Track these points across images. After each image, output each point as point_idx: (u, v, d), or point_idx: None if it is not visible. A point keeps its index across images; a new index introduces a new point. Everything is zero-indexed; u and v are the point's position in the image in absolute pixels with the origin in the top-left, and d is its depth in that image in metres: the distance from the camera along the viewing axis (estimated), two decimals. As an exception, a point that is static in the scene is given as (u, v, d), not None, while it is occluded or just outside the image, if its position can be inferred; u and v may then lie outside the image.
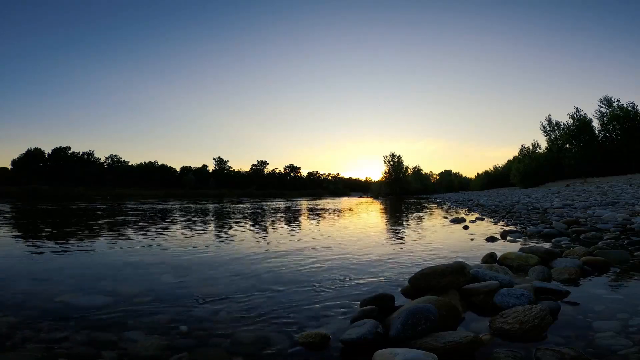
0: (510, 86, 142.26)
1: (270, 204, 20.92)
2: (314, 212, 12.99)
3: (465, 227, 6.38)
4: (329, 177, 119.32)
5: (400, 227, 7.28)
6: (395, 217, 10.84)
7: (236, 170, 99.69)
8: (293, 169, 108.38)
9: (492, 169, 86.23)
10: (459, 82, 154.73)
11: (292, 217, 10.66)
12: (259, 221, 8.82)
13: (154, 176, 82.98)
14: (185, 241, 5.04)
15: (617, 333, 1.55)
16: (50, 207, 15.19)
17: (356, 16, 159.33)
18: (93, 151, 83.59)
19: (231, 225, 7.86)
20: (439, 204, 19.29)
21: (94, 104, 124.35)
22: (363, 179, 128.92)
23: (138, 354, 1.50)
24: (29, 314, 1.96)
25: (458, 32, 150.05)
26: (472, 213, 10.53)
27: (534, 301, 1.87)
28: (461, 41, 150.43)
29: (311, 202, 28.48)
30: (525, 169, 52.63)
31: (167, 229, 6.85)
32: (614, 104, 47.47)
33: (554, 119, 54.58)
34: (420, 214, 11.45)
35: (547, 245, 3.92)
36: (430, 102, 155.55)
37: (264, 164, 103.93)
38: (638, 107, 45.51)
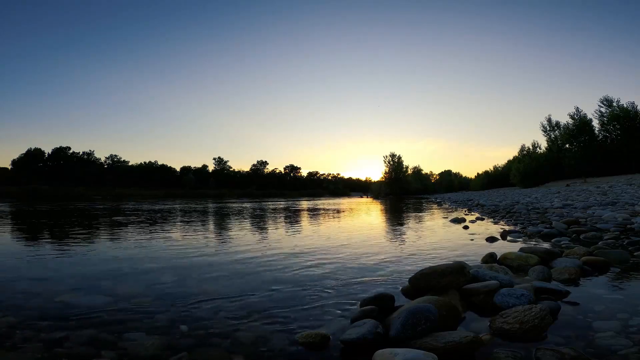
0: (510, 86, 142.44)
1: (270, 204, 20.92)
2: (313, 213, 12.99)
3: (465, 227, 6.38)
4: (329, 177, 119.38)
5: (400, 227, 7.27)
6: (395, 217, 10.83)
7: (236, 170, 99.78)
8: (293, 169, 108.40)
9: (492, 169, 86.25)
10: (459, 82, 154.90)
11: (292, 217, 10.66)
12: (258, 221, 8.82)
13: (154, 176, 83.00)
14: (184, 241, 5.04)
15: (617, 333, 1.55)
16: (48, 208, 15.19)
17: (356, 16, 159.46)
18: (93, 151, 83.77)
19: (231, 225, 7.86)
20: (439, 204, 19.29)
21: (94, 104, 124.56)
22: (363, 179, 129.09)
23: (138, 354, 1.50)
24: (29, 314, 1.96)
25: (458, 32, 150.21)
26: (472, 213, 10.53)
27: (534, 301, 1.87)
28: (461, 41, 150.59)
29: (311, 202, 28.48)
30: (525, 169, 52.63)
31: (166, 229, 6.85)
32: (614, 104, 47.50)
33: (554, 119, 54.67)
34: (420, 214, 11.45)
35: (547, 245, 3.93)
36: (430, 102, 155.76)
37: (264, 164, 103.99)
38: (638, 107, 45.54)
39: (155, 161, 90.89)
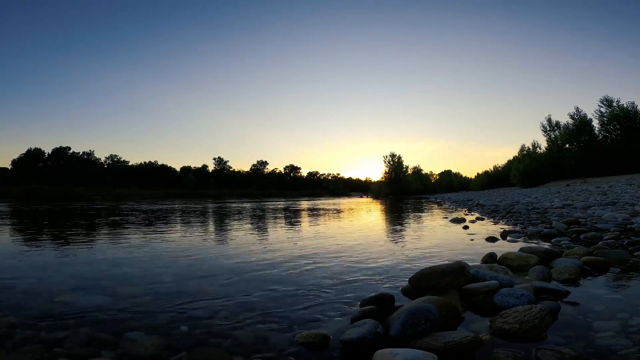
0: (510, 86, 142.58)
1: (270, 204, 20.92)
2: (313, 213, 12.99)
3: (465, 227, 6.38)
4: (329, 177, 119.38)
5: (400, 227, 7.27)
6: (395, 217, 10.83)
7: (236, 170, 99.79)
8: (293, 169, 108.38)
9: (492, 169, 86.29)
10: (459, 82, 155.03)
11: (292, 217, 10.66)
12: (258, 221, 8.82)
13: (154, 176, 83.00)
14: (184, 241, 5.04)
15: (617, 333, 1.55)
16: (46, 207, 15.19)
17: (356, 16, 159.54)
18: (93, 151, 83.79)
19: (230, 225, 7.86)
20: (439, 204, 19.28)
21: (94, 104, 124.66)
22: (363, 179, 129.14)
23: (138, 354, 1.50)
24: (29, 314, 1.96)
25: (458, 32, 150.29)
26: (472, 213, 10.53)
27: (534, 301, 1.87)
28: (461, 41, 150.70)
29: (311, 202, 28.48)
30: (525, 169, 52.63)
31: (166, 229, 6.85)
32: (614, 104, 47.52)
33: (554, 119, 54.70)
34: (420, 214, 11.45)
35: (547, 245, 3.92)
36: (430, 102, 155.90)
37: (264, 164, 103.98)
38: (638, 107, 45.55)
39: (155, 161, 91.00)
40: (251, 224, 8.09)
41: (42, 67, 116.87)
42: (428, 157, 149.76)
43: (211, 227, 7.41)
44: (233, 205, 19.63)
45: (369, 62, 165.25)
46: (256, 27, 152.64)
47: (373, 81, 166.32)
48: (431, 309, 1.59)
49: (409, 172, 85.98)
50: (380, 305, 1.85)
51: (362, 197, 65.58)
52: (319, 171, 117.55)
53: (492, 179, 77.74)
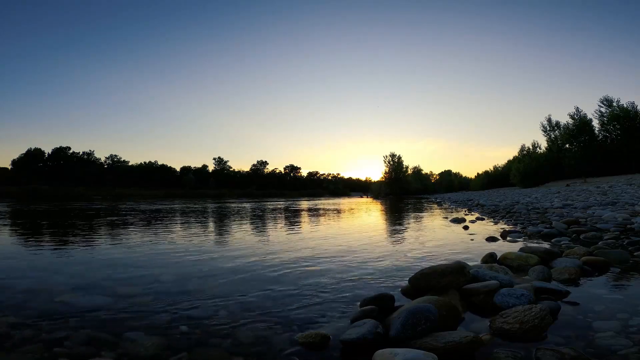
0: (510, 86, 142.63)
1: (270, 204, 20.92)
2: (313, 213, 12.99)
3: (465, 227, 6.38)
4: (329, 177, 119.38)
5: (400, 227, 7.27)
6: (395, 217, 10.83)
7: (236, 170, 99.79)
8: (293, 169, 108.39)
9: (492, 169, 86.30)
10: (459, 82, 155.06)
11: (292, 217, 10.66)
12: (258, 221, 8.82)
13: (154, 176, 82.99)
14: (184, 241, 5.04)
15: (617, 333, 1.55)
16: (45, 207, 15.19)
17: (356, 16, 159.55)
18: (93, 151, 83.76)
19: (230, 225, 7.86)
20: (439, 204, 19.29)
21: (94, 104, 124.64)
22: (363, 179, 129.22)
23: (138, 354, 1.50)
24: (29, 314, 1.96)
25: (458, 32, 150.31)
26: (472, 213, 10.53)
27: (534, 301, 1.87)
28: (461, 41, 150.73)
29: (311, 202, 28.48)
30: (525, 169, 52.63)
31: (166, 229, 6.85)
32: (614, 104, 47.52)
33: (554, 119, 54.69)
34: (420, 214, 11.45)
35: (547, 245, 3.93)
36: (430, 102, 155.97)
37: (264, 164, 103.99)
38: (638, 107, 45.55)
39: (155, 161, 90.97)
40: (251, 224, 8.09)
41: (42, 67, 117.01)
42: (428, 157, 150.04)
43: (211, 228, 7.41)
44: (233, 205, 19.63)
45: (369, 62, 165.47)
46: (256, 27, 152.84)
47: (373, 81, 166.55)
48: (431, 309, 1.59)
49: (409, 172, 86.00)
50: (380, 305, 1.85)
51: (362, 197, 65.55)
52: (319, 171, 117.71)
53: (492, 179, 77.75)
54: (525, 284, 2.13)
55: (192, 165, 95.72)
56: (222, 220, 9.45)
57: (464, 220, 7.64)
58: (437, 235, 5.52)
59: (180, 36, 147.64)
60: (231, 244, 4.91)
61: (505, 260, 2.90)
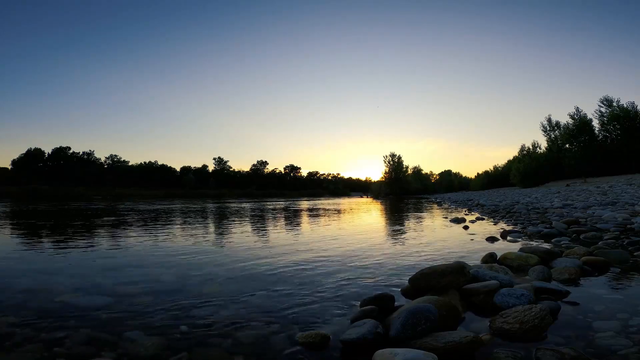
0: (510, 86, 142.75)
1: (270, 204, 20.92)
2: (313, 213, 12.99)
3: (465, 227, 6.38)
4: (329, 177, 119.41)
5: (400, 227, 7.27)
6: (395, 217, 10.83)
7: (236, 170, 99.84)
8: (293, 169, 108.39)
9: (492, 169, 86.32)
10: (459, 82, 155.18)
11: (292, 217, 10.66)
12: (258, 222, 8.82)
13: (154, 176, 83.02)
14: (184, 241, 5.04)
15: (617, 333, 1.55)
16: (44, 207, 15.19)
17: (356, 16, 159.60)
18: (93, 151, 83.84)
19: (230, 225, 7.86)
20: (439, 204, 19.28)
21: (94, 104, 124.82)
22: (363, 179, 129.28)
23: (138, 354, 1.49)
24: (29, 314, 1.96)
25: (458, 32, 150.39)
26: (472, 213, 10.53)
27: (534, 301, 1.87)
28: (461, 41, 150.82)
29: (311, 202, 28.48)
30: (525, 169, 52.64)
31: (167, 229, 6.85)
32: (614, 104, 47.53)
33: (554, 119, 54.70)
34: (420, 214, 11.44)
35: (547, 245, 3.92)
36: (430, 102, 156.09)
37: (264, 164, 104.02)
38: (638, 107, 45.56)
39: (155, 161, 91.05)
40: (251, 224, 8.09)
41: (42, 67, 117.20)
42: (428, 157, 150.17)
43: (211, 228, 7.41)
44: (233, 205, 19.63)
45: (369, 62, 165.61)
46: (256, 27, 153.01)
47: (373, 81, 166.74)
48: (431, 309, 1.59)
49: (409, 172, 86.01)
50: (380, 305, 1.85)
51: (362, 197, 65.53)
52: (319, 171, 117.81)
53: (492, 179, 77.76)
54: (525, 284, 2.13)
55: (192, 165, 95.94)
56: (222, 220, 9.45)
57: (464, 220, 7.64)
58: (437, 235, 5.52)
59: (180, 36, 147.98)
60: (231, 244, 4.91)
61: (505, 260, 2.90)
